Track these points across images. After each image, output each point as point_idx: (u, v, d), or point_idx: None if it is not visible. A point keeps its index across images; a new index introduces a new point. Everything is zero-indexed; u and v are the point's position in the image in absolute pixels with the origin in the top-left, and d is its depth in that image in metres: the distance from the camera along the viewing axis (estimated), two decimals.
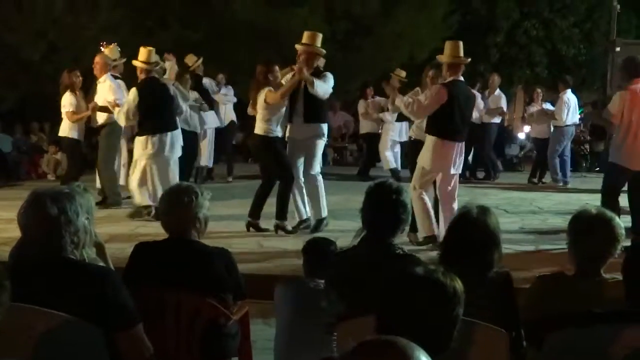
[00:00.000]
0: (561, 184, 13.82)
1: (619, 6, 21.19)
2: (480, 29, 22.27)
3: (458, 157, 7.90)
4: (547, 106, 14.72)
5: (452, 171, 7.92)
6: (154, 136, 9.27)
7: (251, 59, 17.34)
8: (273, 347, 4.48)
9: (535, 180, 14.58)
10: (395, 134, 14.35)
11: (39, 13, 16.64)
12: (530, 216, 10.25)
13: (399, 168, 14.26)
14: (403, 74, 13.86)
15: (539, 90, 15.50)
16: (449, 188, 7.90)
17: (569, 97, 13.50)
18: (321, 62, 8.86)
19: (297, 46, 8.48)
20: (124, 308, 3.09)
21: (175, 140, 9.46)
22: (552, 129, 14.13)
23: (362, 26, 19.62)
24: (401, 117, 13.99)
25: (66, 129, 10.32)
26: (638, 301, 2.88)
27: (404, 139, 14.05)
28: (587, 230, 3.47)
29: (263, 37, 17.95)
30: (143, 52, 9.37)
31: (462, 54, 7.93)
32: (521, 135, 19.22)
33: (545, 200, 11.76)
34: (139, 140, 9.39)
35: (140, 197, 9.40)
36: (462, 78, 7.95)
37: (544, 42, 23.26)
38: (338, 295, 3.72)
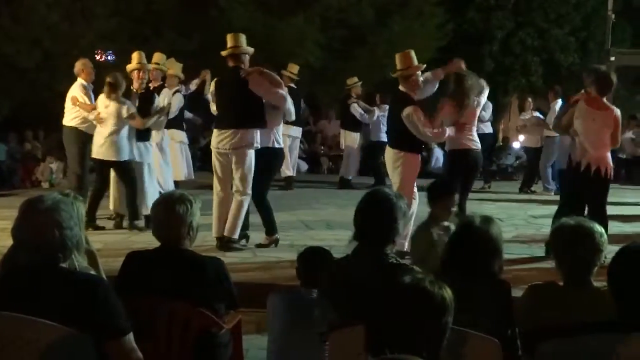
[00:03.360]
0: (553, 193, 13.82)
1: (613, 16, 21.26)
2: (475, 38, 22.27)
3: (392, 163, 7.76)
4: (537, 115, 14.78)
5: (391, 174, 7.87)
6: None
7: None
8: (266, 356, 4.46)
9: (527, 189, 14.63)
10: (343, 140, 14.92)
11: (34, 21, 16.60)
12: (525, 225, 10.25)
13: (348, 177, 14.66)
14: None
15: (529, 99, 15.58)
16: None
17: (560, 107, 13.44)
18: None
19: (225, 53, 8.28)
20: (115, 317, 3.06)
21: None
22: (544, 138, 14.17)
23: (358, 35, 19.60)
24: (344, 125, 14.48)
25: None
26: (627, 311, 2.86)
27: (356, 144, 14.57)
28: (570, 243, 3.46)
29: (258, 46, 17.89)
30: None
31: (414, 63, 7.95)
32: (516, 145, 19.22)
33: (540, 210, 11.74)
34: None
35: None
36: (405, 89, 7.86)
37: (539, 52, 23.25)
38: (331, 305, 3.71)
